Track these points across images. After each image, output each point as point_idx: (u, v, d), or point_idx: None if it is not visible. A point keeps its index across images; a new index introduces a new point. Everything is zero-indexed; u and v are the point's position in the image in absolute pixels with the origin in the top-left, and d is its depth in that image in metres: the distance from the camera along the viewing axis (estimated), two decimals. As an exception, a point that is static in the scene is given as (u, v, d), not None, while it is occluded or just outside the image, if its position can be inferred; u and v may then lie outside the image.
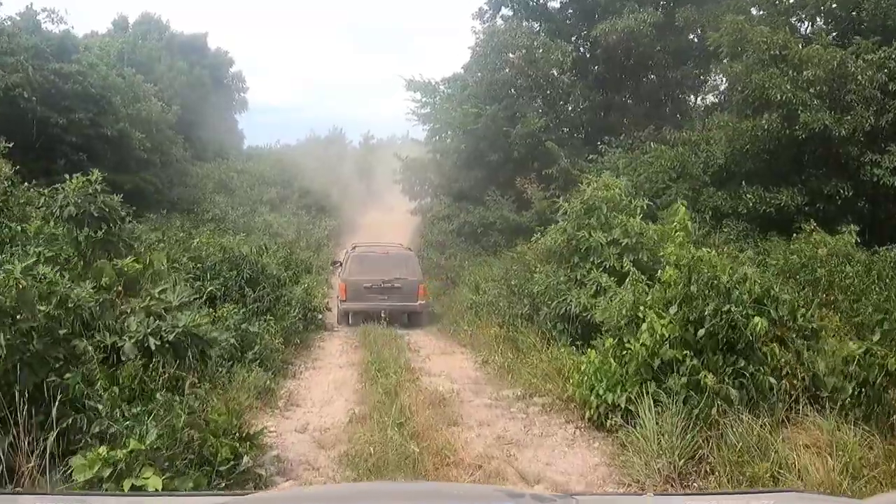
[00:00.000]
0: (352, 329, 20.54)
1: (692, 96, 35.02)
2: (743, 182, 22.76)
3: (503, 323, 15.92)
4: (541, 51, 30.58)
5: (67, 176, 10.46)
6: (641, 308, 9.53)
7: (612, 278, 12.82)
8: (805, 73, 21.34)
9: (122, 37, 47.39)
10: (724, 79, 32.59)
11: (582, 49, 33.32)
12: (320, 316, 20.70)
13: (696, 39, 32.04)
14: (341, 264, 22.42)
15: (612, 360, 9.52)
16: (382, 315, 19.14)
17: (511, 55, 31.32)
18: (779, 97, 21.11)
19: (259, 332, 13.18)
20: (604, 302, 11.40)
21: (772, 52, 22.66)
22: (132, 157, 34.43)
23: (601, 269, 13.38)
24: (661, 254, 12.96)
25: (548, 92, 31.45)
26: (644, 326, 8.99)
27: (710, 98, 33.97)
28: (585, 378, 9.70)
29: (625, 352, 9.35)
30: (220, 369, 11.14)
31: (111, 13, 49.00)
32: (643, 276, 10.87)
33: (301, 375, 14.04)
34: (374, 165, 40.11)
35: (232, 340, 11.62)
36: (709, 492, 6.84)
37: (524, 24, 31.77)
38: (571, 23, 33.62)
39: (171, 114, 38.17)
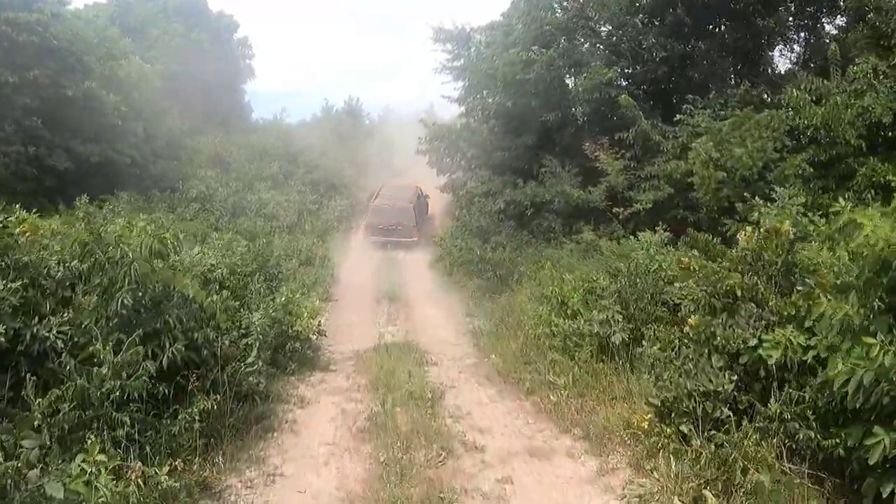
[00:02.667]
0: (359, 363, 11.66)
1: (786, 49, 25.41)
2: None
3: (670, 405, 6.79)
4: (606, -18, 21.42)
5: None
6: None
7: None
8: None
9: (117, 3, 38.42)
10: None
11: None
12: (312, 339, 11.75)
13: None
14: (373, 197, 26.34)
15: None
16: (388, 246, 23.82)
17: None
18: None
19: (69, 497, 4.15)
20: None
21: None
22: (103, 124, 25.59)
23: None
24: None
25: (621, 43, 22.16)
26: None
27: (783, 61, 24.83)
28: None
29: None
30: None
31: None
32: None
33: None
34: (395, 138, 31.06)
35: None
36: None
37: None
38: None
39: (155, 73, 29.13)
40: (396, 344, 13.23)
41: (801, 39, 24.95)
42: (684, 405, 6.71)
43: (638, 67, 22.62)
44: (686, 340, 7.23)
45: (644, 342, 10.18)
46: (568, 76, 21.29)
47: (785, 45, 25.05)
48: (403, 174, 28.55)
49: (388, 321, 15.79)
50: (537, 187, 20.39)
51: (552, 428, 8.29)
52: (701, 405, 6.50)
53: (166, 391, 6.65)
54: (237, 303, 9.34)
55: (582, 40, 22.79)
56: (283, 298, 10.79)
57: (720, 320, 6.88)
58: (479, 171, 23.34)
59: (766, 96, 21.37)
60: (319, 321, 11.85)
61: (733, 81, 23.05)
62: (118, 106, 25.96)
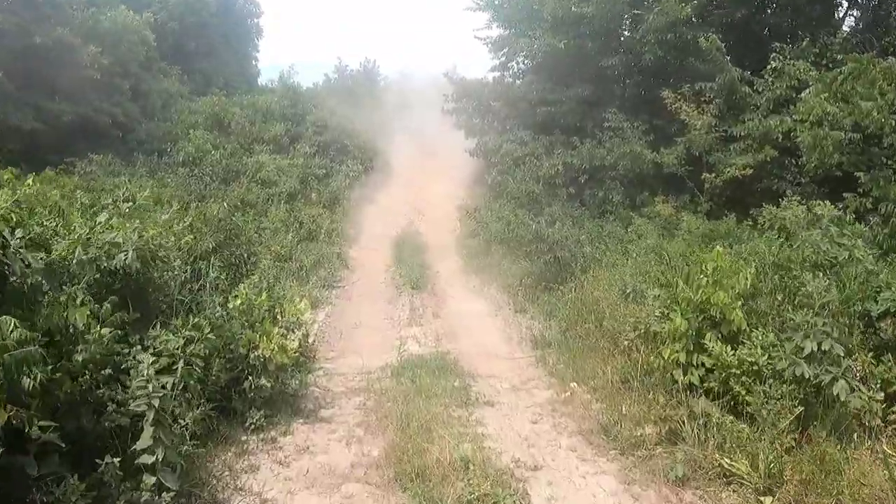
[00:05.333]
0: (369, 401, 7.00)
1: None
2: None
3: None
4: None
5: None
6: None
7: None
8: None
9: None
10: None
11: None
12: (297, 358, 6.86)
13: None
14: None
15: None
16: None
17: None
18: None
19: None
20: None
21: None
22: (79, 79, 20.64)
23: None
24: None
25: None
26: None
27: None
28: None
29: None
30: None
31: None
32: None
33: None
34: (416, 98, 26.00)
35: None
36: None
37: None
38: None
39: (146, 25, 24.20)
40: (425, 360, 8.45)
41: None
42: None
43: (713, 10, 17.46)
44: None
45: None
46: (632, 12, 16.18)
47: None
48: (425, 136, 23.52)
49: (412, 320, 10.95)
50: (595, 148, 15.41)
51: None
52: None
53: None
54: (113, 329, 4.49)
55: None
56: (239, 302, 5.96)
57: None
58: (515, 132, 18.31)
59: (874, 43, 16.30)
60: (304, 334, 6.95)
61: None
62: (98, 59, 21.10)
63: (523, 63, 18.87)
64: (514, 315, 11.07)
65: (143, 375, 4.01)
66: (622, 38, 16.46)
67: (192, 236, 7.46)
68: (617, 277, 10.22)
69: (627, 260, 11.12)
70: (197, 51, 31.48)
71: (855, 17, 19.09)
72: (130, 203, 6.06)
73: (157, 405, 3.94)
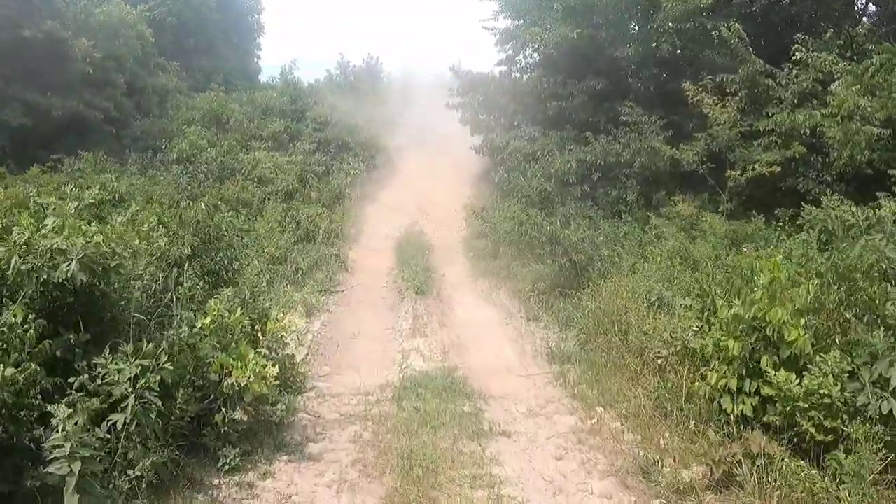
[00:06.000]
0: (366, 432, 6.06)
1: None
2: None
3: None
4: None
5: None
6: None
7: None
8: None
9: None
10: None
11: None
12: (289, 384, 5.92)
13: None
14: None
15: None
16: None
17: None
18: None
19: None
20: None
21: None
22: (71, 73, 19.69)
23: None
24: None
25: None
26: None
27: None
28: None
29: None
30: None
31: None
32: None
33: None
34: (420, 94, 25.01)
35: None
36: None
37: None
38: None
39: (141, 18, 23.31)
40: (430, 378, 7.49)
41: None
42: None
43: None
44: None
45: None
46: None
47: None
48: (429, 133, 22.52)
49: (415, 329, 9.96)
50: (609, 144, 14.41)
51: None
52: None
53: None
54: (38, 361, 3.55)
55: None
56: (209, 320, 5.00)
57: None
58: (523, 128, 17.29)
59: None
60: (290, 355, 5.96)
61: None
62: (90, 52, 20.14)
63: (531, 56, 17.88)
64: (527, 324, 10.10)
65: (59, 431, 3.06)
66: (637, 28, 15.45)
67: (165, 240, 6.51)
68: (640, 283, 9.22)
69: (648, 264, 10.13)
70: (196, 47, 30.52)
71: (871, 11, 18.10)
72: (76, 203, 5.12)
73: (77, 470, 2.98)
